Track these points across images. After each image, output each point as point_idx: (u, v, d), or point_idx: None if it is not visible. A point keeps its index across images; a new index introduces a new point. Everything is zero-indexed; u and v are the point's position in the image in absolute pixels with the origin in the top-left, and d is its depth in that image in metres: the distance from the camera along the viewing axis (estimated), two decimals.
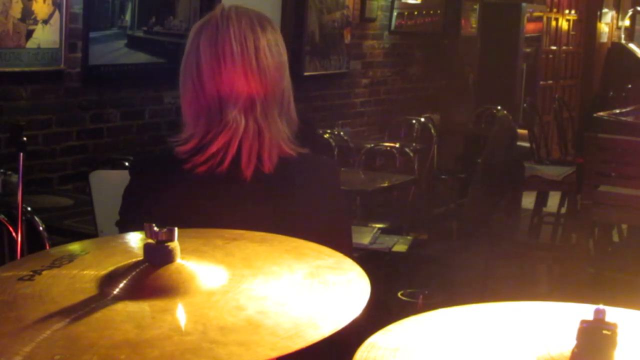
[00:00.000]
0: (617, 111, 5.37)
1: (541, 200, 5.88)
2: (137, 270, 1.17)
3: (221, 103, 1.67)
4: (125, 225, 1.73)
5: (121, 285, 1.16)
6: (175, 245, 1.19)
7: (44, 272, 1.22)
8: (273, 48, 1.70)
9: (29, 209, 2.91)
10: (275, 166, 1.66)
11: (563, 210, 5.94)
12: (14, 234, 2.80)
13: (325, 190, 1.76)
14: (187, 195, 1.67)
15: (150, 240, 1.19)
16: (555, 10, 9.69)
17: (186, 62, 1.72)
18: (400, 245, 4.09)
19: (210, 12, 1.73)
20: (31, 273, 1.22)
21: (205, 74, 1.68)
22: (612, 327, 0.96)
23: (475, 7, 7.91)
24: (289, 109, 1.75)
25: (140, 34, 4.59)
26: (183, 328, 1.06)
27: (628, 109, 5.47)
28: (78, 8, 4.20)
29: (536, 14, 8.58)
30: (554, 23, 9.67)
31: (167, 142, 1.72)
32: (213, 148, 1.64)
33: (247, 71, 1.66)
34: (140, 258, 1.19)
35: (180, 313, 1.10)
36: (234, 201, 1.65)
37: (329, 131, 5.77)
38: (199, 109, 1.69)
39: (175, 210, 1.65)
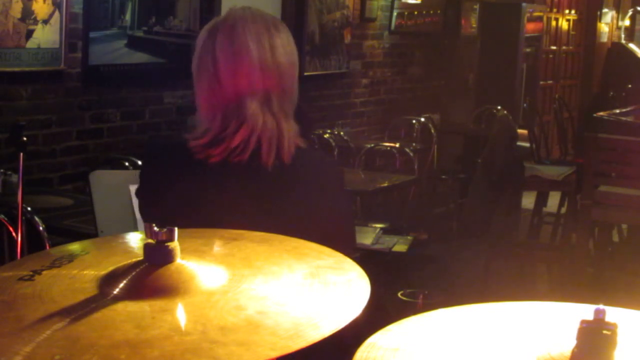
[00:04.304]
0: (617, 111, 5.36)
1: (541, 200, 5.88)
2: (137, 270, 1.17)
3: (239, 99, 1.71)
4: (146, 207, 1.80)
5: (121, 285, 1.16)
6: (175, 245, 1.19)
7: (44, 272, 1.22)
8: (287, 47, 1.76)
9: (29, 209, 2.90)
10: (293, 157, 1.71)
11: (563, 210, 5.94)
12: (14, 234, 2.80)
13: (328, 188, 1.80)
14: (203, 186, 1.71)
15: (150, 240, 1.19)
16: (555, 10, 9.68)
17: (201, 61, 1.76)
18: (400, 245, 4.09)
19: (225, 13, 1.79)
20: (31, 273, 1.22)
21: (222, 71, 1.72)
22: (612, 327, 0.96)
23: (475, 7, 7.90)
24: (295, 105, 1.80)
25: (140, 34, 4.59)
26: (183, 328, 1.06)
27: (628, 109, 5.46)
28: (78, 8, 4.20)
29: (536, 14, 8.58)
30: (554, 23, 9.67)
31: (182, 138, 1.76)
32: (234, 142, 1.69)
33: (264, 67, 1.71)
34: (140, 258, 1.20)
35: (180, 313, 1.10)
36: (254, 191, 1.70)
37: (329, 131, 5.77)
38: (216, 105, 1.73)
39: (193, 200, 1.70)
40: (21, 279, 1.20)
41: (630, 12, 10.64)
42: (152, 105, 4.71)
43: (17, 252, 2.73)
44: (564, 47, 9.99)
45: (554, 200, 6.15)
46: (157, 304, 1.11)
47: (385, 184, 5.03)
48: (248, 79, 1.71)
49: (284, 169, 1.70)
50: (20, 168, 2.66)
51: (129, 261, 1.21)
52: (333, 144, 5.48)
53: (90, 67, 4.29)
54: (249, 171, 1.69)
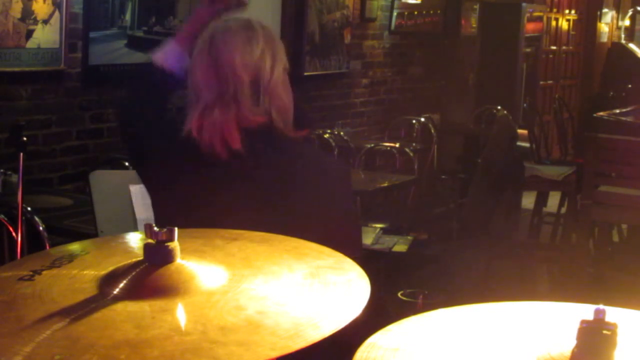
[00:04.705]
0: (617, 111, 5.36)
1: (541, 200, 5.88)
2: (137, 270, 1.17)
3: (196, 95, 1.88)
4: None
5: (121, 285, 1.16)
6: (175, 245, 1.19)
7: (44, 272, 1.22)
8: (240, 46, 1.83)
9: (29, 209, 2.90)
10: (243, 141, 1.79)
11: (563, 210, 5.94)
12: (14, 234, 2.80)
13: (329, 189, 1.80)
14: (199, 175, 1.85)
15: (150, 240, 1.19)
16: (555, 10, 9.68)
17: None
18: (400, 245, 4.09)
19: None
20: (31, 273, 1.22)
21: (187, 73, 1.92)
22: (612, 327, 0.96)
23: (475, 7, 7.90)
24: (274, 96, 1.84)
25: (140, 34, 4.59)
26: (183, 328, 1.06)
27: (628, 109, 5.46)
28: (78, 8, 4.20)
29: (536, 13, 8.57)
30: (554, 23, 9.67)
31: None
32: (193, 133, 1.85)
33: (211, 66, 1.84)
34: (140, 258, 1.19)
35: (180, 313, 1.10)
36: (215, 179, 1.82)
37: (329, 131, 5.77)
38: (189, 101, 1.91)
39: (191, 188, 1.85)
40: (21, 279, 1.20)
41: (630, 12, 10.63)
42: None
43: (17, 252, 2.73)
44: (564, 47, 9.99)
45: (554, 200, 6.15)
46: (157, 304, 1.11)
47: (385, 184, 5.02)
48: (197, 79, 1.87)
49: (238, 155, 1.78)
50: (20, 168, 2.66)
51: (129, 261, 1.21)
52: (333, 144, 5.48)
53: (90, 67, 4.29)
54: (209, 162, 1.79)
